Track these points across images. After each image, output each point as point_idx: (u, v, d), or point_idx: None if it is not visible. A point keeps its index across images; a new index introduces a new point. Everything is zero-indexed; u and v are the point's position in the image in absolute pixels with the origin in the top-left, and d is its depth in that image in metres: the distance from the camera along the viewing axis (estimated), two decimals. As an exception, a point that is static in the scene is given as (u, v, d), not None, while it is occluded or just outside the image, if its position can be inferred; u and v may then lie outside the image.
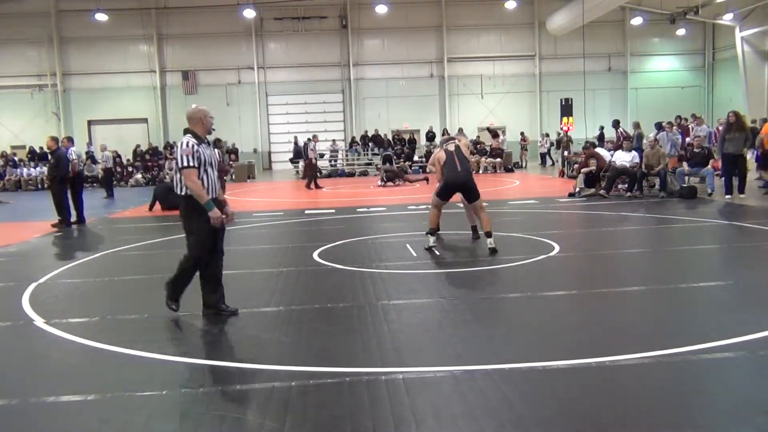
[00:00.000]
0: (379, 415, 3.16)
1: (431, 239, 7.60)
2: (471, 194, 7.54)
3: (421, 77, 29.72)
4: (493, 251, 7.16)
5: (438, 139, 26.27)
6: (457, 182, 7.48)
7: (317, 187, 19.10)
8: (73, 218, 11.74)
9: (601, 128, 24.52)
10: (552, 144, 26.79)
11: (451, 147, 7.67)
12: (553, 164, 26.26)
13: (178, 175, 4.85)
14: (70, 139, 13.20)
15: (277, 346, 4.31)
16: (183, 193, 4.88)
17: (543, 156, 27.08)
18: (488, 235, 7.34)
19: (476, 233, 8.32)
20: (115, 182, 24.69)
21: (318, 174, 20.69)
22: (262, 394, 3.47)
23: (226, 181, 16.11)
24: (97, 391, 3.57)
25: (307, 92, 29.47)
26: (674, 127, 15.61)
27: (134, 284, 6.67)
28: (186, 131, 5.01)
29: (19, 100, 28.79)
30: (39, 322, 5.06)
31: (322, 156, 27.01)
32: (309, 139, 20.42)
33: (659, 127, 16.23)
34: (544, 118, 29.80)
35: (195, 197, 4.81)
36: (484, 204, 7.74)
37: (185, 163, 4.78)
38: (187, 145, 4.83)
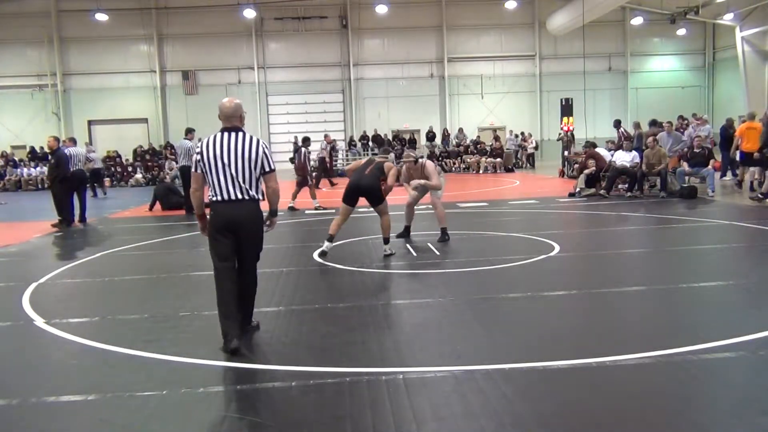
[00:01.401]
0: (379, 415, 3.16)
1: (328, 245, 7.49)
2: (372, 199, 7.48)
3: (421, 77, 29.72)
4: (388, 257, 7.30)
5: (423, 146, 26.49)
6: (359, 185, 7.42)
7: (316, 187, 19.14)
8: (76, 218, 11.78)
9: (523, 134, 25.04)
10: (536, 147, 26.60)
11: (376, 159, 7.79)
12: (529, 166, 26.02)
13: (249, 179, 4.26)
14: (72, 140, 13.26)
15: (277, 346, 4.31)
16: (259, 198, 4.35)
17: (529, 157, 26.46)
18: (385, 241, 7.45)
19: (407, 232, 8.57)
20: (115, 182, 24.82)
21: (322, 174, 20.78)
22: (262, 394, 3.48)
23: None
24: (97, 391, 3.57)
25: (307, 92, 29.47)
26: (673, 128, 15.58)
27: (134, 284, 6.67)
28: (227, 130, 4.34)
29: (19, 100, 28.78)
30: (39, 322, 5.06)
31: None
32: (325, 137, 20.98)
33: (654, 124, 16.21)
34: (544, 118, 29.81)
35: (274, 203, 4.46)
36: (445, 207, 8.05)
37: (274, 166, 4.38)
38: (268, 147, 4.41)
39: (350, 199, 7.50)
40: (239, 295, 4.34)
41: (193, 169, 4.38)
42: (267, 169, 4.33)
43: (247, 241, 4.33)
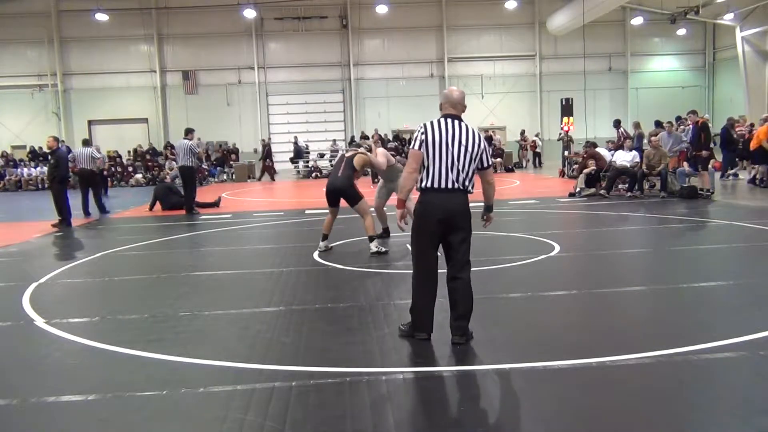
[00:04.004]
0: (379, 415, 3.16)
1: (322, 244, 7.81)
2: (348, 199, 7.65)
3: (421, 77, 29.72)
4: (375, 255, 7.40)
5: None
6: (333, 187, 7.65)
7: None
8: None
9: (523, 132, 26.27)
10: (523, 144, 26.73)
11: (348, 154, 7.92)
12: (523, 166, 26.13)
13: (467, 169, 4.12)
14: (85, 141, 14.60)
15: (277, 346, 4.31)
16: (470, 190, 4.23)
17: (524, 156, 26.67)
18: (370, 239, 7.57)
19: (387, 233, 8.59)
20: (115, 182, 24.81)
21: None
22: (262, 394, 3.47)
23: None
24: (97, 391, 3.57)
25: (308, 92, 29.47)
26: (674, 127, 15.57)
27: (134, 284, 6.67)
28: (451, 117, 4.17)
29: (20, 100, 28.79)
30: (39, 322, 5.06)
31: (322, 156, 27.14)
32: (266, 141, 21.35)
33: (659, 125, 16.27)
34: (544, 118, 29.82)
35: (491, 198, 4.40)
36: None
37: (492, 161, 4.34)
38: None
39: (330, 200, 7.76)
40: (452, 305, 4.24)
41: (413, 147, 4.13)
42: (486, 164, 4.23)
43: (456, 236, 4.16)
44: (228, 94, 29.47)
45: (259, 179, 25.41)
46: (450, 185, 4.08)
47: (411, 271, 4.36)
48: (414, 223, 4.24)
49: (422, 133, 4.10)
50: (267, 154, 25.67)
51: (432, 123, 4.13)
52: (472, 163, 4.12)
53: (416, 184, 4.21)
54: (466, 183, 4.13)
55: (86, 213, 13.07)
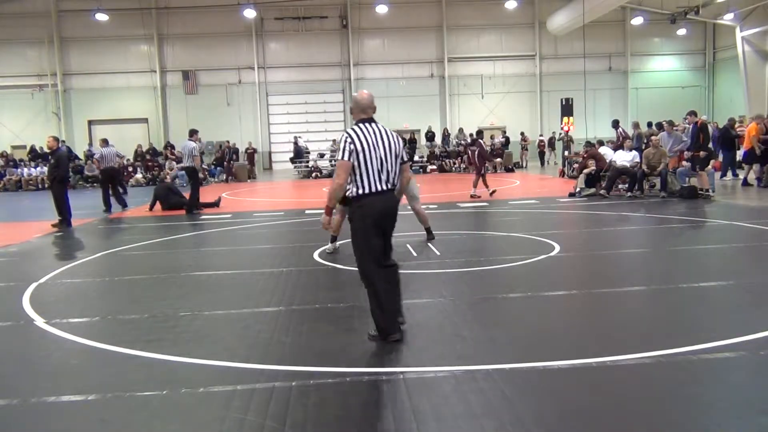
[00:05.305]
0: (379, 415, 3.16)
1: (330, 246, 7.81)
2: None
3: (421, 77, 29.72)
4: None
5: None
6: None
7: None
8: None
9: (507, 135, 26.40)
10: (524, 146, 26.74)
11: None
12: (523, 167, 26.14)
13: (394, 169, 4.32)
14: (105, 141, 15.10)
15: (277, 346, 4.31)
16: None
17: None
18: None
19: (431, 234, 8.41)
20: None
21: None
22: (262, 394, 3.47)
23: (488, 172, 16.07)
24: (97, 391, 3.57)
25: (308, 92, 29.48)
26: (674, 128, 15.58)
27: (134, 284, 6.66)
28: (367, 121, 4.31)
29: (20, 100, 28.80)
30: (39, 322, 5.06)
31: (322, 156, 27.15)
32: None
33: (659, 126, 16.27)
34: (544, 118, 29.82)
35: (402, 194, 4.58)
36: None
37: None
38: None
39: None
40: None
41: (343, 158, 4.14)
42: (405, 158, 4.41)
43: (390, 231, 4.38)
44: (228, 94, 29.48)
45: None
46: (383, 187, 4.22)
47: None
48: (358, 227, 4.27)
49: (350, 143, 4.15)
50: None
51: (355, 131, 4.22)
52: (396, 161, 4.29)
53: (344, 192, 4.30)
54: (395, 182, 4.31)
55: (123, 205, 14.18)
